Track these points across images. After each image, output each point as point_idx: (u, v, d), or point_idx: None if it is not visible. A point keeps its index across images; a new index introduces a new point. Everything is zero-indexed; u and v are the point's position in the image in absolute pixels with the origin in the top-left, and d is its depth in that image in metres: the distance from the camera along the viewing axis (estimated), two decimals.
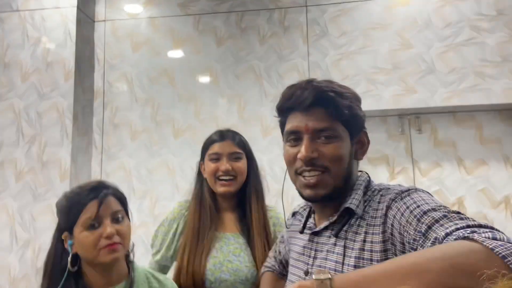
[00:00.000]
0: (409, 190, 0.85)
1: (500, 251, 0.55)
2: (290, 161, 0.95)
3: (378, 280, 0.54)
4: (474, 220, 0.67)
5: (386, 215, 0.84)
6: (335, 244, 0.91)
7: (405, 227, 0.77)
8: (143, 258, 2.59)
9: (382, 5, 2.68)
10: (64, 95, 2.65)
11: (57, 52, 2.72)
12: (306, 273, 0.96)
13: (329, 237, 0.94)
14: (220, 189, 1.48)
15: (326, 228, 0.96)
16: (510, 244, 0.56)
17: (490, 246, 0.56)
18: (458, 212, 0.72)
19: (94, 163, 2.80)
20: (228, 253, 1.43)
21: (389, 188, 0.90)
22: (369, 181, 0.98)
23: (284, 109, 0.97)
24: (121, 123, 2.83)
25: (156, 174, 2.75)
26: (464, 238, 0.60)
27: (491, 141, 2.59)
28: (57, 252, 1.15)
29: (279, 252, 1.24)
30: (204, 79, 2.82)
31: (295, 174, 0.95)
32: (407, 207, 0.79)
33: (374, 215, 0.87)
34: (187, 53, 2.86)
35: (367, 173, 1.01)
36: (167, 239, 1.51)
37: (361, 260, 0.85)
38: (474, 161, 2.60)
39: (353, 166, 0.97)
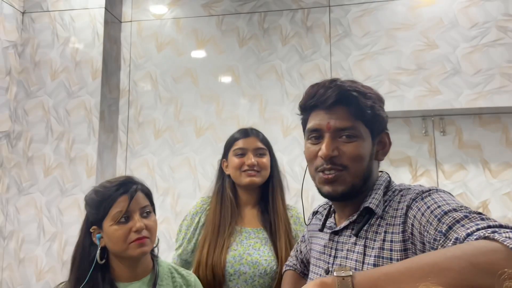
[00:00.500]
0: (430, 190, 0.85)
1: None
2: (311, 159, 0.96)
3: (399, 278, 0.54)
4: (495, 221, 0.67)
5: (406, 214, 0.84)
6: (355, 244, 0.92)
7: (425, 227, 0.77)
8: (165, 254, 2.66)
9: (406, 5, 2.65)
10: (91, 94, 2.73)
11: (85, 52, 2.80)
12: (327, 272, 0.97)
13: (350, 236, 0.94)
14: (245, 179, 1.50)
15: (346, 227, 0.97)
16: None
17: (511, 246, 0.57)
18: (480, 213, 0.72)
19: (119, 160, 2.87)
20: (248, 247, 1.46)
21: (409, 188, 0.90)
22: (389, 181, 0.98)
23: (307, 107, 0.98)
24: (145, 121, 2.89)
25: (178, 171, 2.80)
26: (485, 238, 0.61)
27: None
28: (85, 245, 1.18)
29: (300, 251, 1.25)
30: (226, 78, 2.86)
31: (315, 171, 0.96)
32: (428, 207, 0.79)
33: (394, 215, 0.88)
34: (210, 53, 2.90)
35: (387, 173, 1.01)
36: (189, 233, 1.55)
37: (381, 259, 0.86)
38: (499, 164, 2.54)
39: (373, 166, 0.97)
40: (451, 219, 0.72)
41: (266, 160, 1.54)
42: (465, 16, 2.56)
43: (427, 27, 2.60)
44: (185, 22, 2.97)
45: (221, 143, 2.78)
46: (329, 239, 1.00)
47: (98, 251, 1.16)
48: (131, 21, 3.03)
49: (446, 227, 0.72)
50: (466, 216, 0.71)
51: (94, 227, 1.17)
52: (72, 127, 2.72)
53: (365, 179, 0.94)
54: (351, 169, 0.92)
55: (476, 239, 0.62)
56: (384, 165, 1.03)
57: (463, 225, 0.69)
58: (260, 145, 1.54)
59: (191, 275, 1.29)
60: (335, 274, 0.55)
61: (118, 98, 2.94)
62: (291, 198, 2.65)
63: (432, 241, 0.74)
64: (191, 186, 2.77)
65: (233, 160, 1.53)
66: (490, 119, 2.58)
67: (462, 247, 0.59)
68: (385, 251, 0.85)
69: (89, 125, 2.69)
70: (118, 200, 1.15)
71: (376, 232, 0.89)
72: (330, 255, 0.98)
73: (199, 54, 2.92)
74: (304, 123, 1.01)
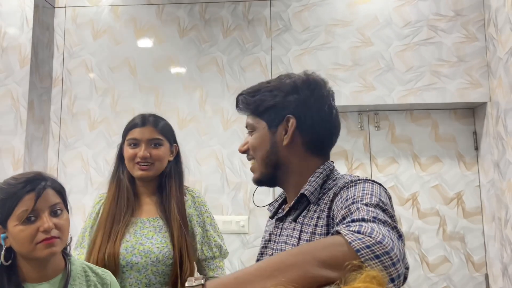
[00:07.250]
0: (358, 180, 0.88)
1: (356, 245, 0.58)
2: None
3: (248, 279, 0.56)
4: (374, 213, 0.68)
5: (332, 201, 0.88)
6: (293, 229, 0.95)
7: (336, 214, 0.82)
8: None
9: (344, 2, 2.70)
10: (19, 82, 2.57)
11: (13, 37, 2.63)
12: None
13: (290, 222, 0.98)
14: (137, 172, 1.47)
15: (288, 214, 1.00)
16: (370, 238, 0.59)
17: (349, 240, 0.59)
18: (378, 205, 0.74)
19: (51, 153, 2.73)
20: (141, 237, 1.43)
21: (343, 177, 0.94)
22: (331, 170, 0.99)
23: None
24: (79, 112, 2.77)
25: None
26: (338, 232, 0.64)
27: (445, 139, 2.68)
28: None
29: None
30: (166, 70, 2.79)
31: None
32: (347, 195, 0.83)
33: (326, 201, 0.91)
34: (149, 43, 2.82)
35: (332, 162, 1.02)
36: (87, 233, 1.50)
37: None
38: (428, 158, 2.67)
39: (284, 152, 0.98)
40: (346, 211, 0.75)
41: (161, 151, 1.49)
42: (399, 15, 2.65)
43: (363, 24, 2.66)
44: (123, 10, 2.86)
45: None
46: (275, 226, 1.04)
47: (3, 252, 1.09)
48: (65, 7, 2.88)
49: (341, 217, 0.75)
50: (357, 209, 0.73)
51: None
52: None
53: (275, 166, 0.98)
54: (256, 158, 1.00)
55: (332, 233, 0.65)
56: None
57: (349, 217, 0.72)
58: (155, 135, 1.49)
59: (106, 273, 1.25)
60: (186, 284, 0.55)
61: (50, 88, 2.79)
62: (229, 192, 2.65)
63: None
64: None
65: (127, 150, 1.48)
66: (421, 115, 2.71)
67: (311, 244, 0.62)
68: (316, 236, 0.89)
69: (16, 116, 2.53)
70: (23, 198, 1.08)
71: (311, 218, 0.92)
72: (275, 241, 1.01)
73: (138, 43, 2.83)
74: None
